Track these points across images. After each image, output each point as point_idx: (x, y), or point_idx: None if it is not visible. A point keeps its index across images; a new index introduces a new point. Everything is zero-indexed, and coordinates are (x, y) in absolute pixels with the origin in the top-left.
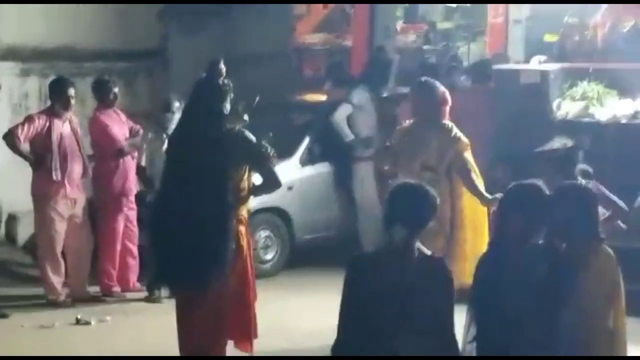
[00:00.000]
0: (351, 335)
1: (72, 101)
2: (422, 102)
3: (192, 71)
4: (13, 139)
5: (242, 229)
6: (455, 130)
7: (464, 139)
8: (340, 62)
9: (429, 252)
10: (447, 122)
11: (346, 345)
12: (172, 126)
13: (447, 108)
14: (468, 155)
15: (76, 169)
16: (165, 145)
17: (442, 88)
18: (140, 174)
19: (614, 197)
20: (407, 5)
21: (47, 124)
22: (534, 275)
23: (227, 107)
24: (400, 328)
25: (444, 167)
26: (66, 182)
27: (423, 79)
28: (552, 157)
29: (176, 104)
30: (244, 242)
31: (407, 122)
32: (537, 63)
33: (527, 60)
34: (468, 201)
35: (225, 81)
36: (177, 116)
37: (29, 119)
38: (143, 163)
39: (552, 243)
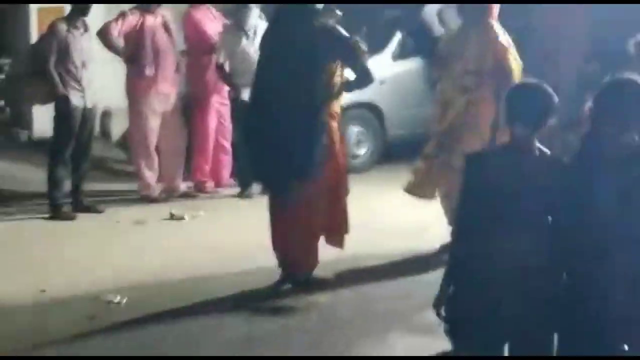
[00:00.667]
0: (467, 232)
1: None
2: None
3: None
4: (107, 35)
5: (334, 124)
6: (497, 32)
7: (503, 43)
8: None
9: (548, 152)
10: (491, 22)
11: (461, 244)
12: (251, 21)
13: (494, 7)
14: (511, 59)
15: (169, 64)
16: (243, 41)
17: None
18: (219, 72)
19: None
20: None
21: (140, 19)
22: (629, 177)
23: (319, 2)
24: (515, 225)
25: (485, 70)
26: (159, 77)
27: None
28: None
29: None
30: (336, 138)
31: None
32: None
33: None
34: None
35: None
36: (255, 12)
37: (122, 15)
38: (222, 60)
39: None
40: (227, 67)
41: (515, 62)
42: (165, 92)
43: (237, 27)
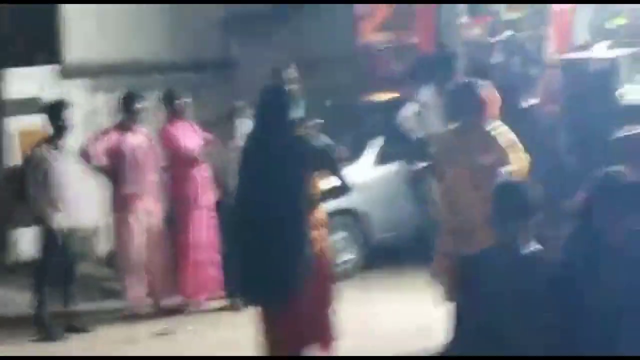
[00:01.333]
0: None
1: (142, 114)
2: (463, 105)
3: (258, 79)
4: (87, 155)
5: (319, 232)
6: (493, 137)
7: (503, 145)
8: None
9: (539, 247)
10: (486, 126)
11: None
12: (240, 134)
13: (493, 108)
14: (513, 158)
15: (150, 180)
16: (233, 154)
17: (485, 88)
18: (215, 182)
19: None
20: None
21: (119, 138)
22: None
23: (298, 112)
24: (513, 324)
25: (492, 169)
26: (142, 194)
27: (465, 79)
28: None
29: (242, 111)
30: (321, 246)
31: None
32: (602, 49)
33: (591, 46)
34: None
35: (295, 86)
36: (244, 123)
37: (101, 134)
38: (212, 172)
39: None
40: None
41: (520, 160)
42: (149, 208)
43: (226, 140)
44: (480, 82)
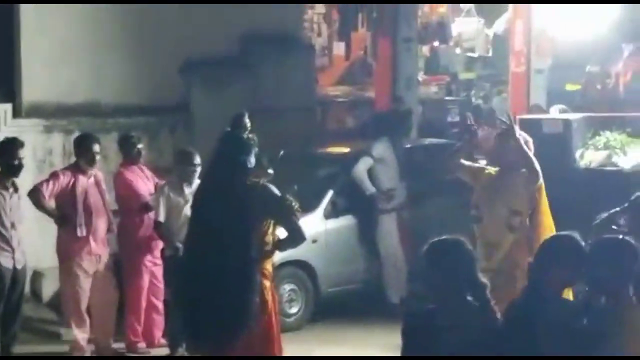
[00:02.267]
0: None
1: (97, 157)
2: (507, 149)
3: (216, 125)
4: (38, 195)
5: (267, 283)
6: (539, 176)
7: (538, 187)
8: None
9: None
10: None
11: None
12: (195, 180)
13: (530, 150)
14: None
15: (101, 224)
16: (185, 200)
17: (526, 137)
18: (158, 230)
19: None
20: (428, 56)
21: (72, 180)
22: (568, 328)
23: (252, 160)
24: None
25: (526, 211)
26: (91, 238)
27: (505, 126)
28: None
29: (198, 158)
30: (269, 297)
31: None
32: (557, 112)
33: (548, 110)
34: None
35: (250, 135)
36: (198, 170)
37: (53, 175)
38: (161, 219)
39: (592, 297)
40: (165, 225)
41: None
42: (97, 253)
43: (180, 186)
44: (520, 131)
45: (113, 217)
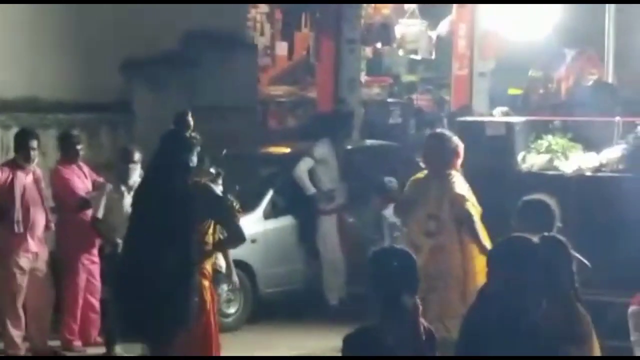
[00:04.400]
0: None
1: (35, 153)
2: (434, 153)
3: (158, 123)
4: None
5: (206, 283)
6: (454, 182)
7: (459, 191)
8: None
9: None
10: (452, 172)
11: None
12: (133, 178)
13: (458, 160)
14: (468, 205)
15: (38, 222)
16: (125, 198)
17: (456, 141)
18: (96, 227)
19: (576, 254)
20: (371, 57)
21: (10, 176)
22: (520, 328)
23: (194, 160)
24: None
25: (446, 216)
26: (28, 235)
27: (438, 130)
28: None
29: (137, 155)
30: (208, 296)
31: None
32: (499, 115)
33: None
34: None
35: (192, 134)
36: (138, 167)
37: None
38: (99, 215)
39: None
40: (104, 223)
41: (474, 208)
42: (34, 250)
43: (118, 183)
44: (452, 134)
45: (51, 214)
